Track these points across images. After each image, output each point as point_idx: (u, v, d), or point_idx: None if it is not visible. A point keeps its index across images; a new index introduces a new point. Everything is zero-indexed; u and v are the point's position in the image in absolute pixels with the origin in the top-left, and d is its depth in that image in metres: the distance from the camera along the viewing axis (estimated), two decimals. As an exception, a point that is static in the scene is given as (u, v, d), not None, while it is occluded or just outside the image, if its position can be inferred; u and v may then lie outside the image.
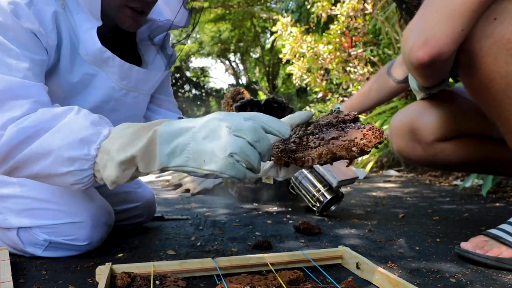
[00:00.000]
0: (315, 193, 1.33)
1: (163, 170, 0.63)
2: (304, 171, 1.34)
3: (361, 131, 0.64)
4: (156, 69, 1.00)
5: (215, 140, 0.57)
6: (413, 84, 1.08)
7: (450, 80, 2.62)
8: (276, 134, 0.60)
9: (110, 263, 0.71)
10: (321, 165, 0.65)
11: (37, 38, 0.76)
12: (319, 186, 1.32)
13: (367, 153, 0.62)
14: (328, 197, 1.32)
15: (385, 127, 2.93)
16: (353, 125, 0.67)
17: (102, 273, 0.69)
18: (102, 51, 0.85)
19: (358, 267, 0.75)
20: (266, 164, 0.77)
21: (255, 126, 0.58)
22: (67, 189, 0.88)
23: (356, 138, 0.62)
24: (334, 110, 0.73)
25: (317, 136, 0.68)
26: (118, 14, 0.84)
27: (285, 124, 0.61)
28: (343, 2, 3.95)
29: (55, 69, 0.83)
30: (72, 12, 0.83)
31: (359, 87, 3.81)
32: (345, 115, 0.69)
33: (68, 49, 0.83)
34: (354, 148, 0.61)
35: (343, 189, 1.97)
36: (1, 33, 0.71)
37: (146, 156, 0.61)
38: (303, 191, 1.36)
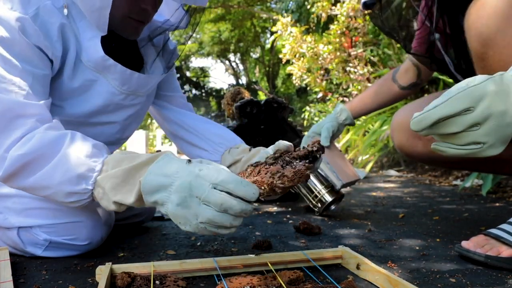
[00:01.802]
0: (317, 194, 1.32)
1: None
2: None
3: (291, 171, 0.67)
4: (156, 71, 1.02)
5: (186, 209, 0.62)
6: None
7: (451, 80, 2.61)
8: (243, 199, 0.61)
9: (110, 263, 0.71)
10: None
11: (42, 53, 0.80)
12: (321, 187, 1.32)
13: (278, 193, 0.66)
14: (330, 198, 1.32)
15: (385, 127, 2.93)
16: (300, 163, 0.70)
17: (102, 273, 0.69)
18: (105, 59, 0.87)
19: (358, 268, 0.75)
20: None
21: (221, 198, 0.60)
22: None
23: (277, 175, 0.66)
24: (312, 145, 0.77)
25: (267, 166, 0.73)
26: (121, 24, 0.87)
27: (252, 188, 0.61)
28: (343, 2, 3.95)
29: (59, 74, 0.85)
30: (76, 19, 0.85)
31: (359, 87, 3.81)
32: (312, 149, 0.74)
33: (73, 57, 0.85)
34: (263, 187, 0.65)
35: (343, 189, 1.97)
36: (7, 49, 0.75)
37: (136, 202, 0.68)
38: (303, 191, 1.36)
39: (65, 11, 0.83)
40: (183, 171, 0.63)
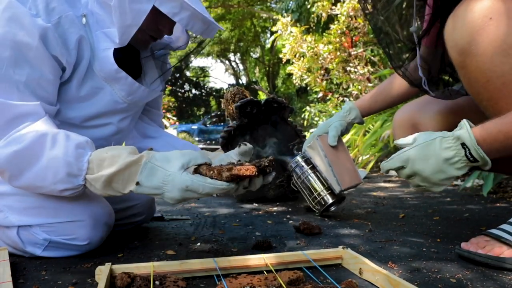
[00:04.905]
0: (316, 196, 1.32)
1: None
2: (308, 170, 1.33)
3: (243, 165, 0.75)
4: (156, 86, 1.08)
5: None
6: None
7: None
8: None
9: (110, 263, 0.70)
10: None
11: (55, 62, 0.84)
12: (322, 189, 1.31)
13: (238, 176, 0.73)
14: (330, 200, 1.31)
15: (385, 127, 2.93)
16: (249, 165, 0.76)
17: (102, 273, 0.69)
18: (118, 72, 0.93)
19: (360, 273, 0.75)
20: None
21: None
22: None
23: (235, 167, 0.74)
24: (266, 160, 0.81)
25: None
26: (137, 36, 0.90)
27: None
28: (343, 1, 3.95)
29: (68, 80, 0.90)
30: (92, 29, 0.90)
31: (359, 87, 3.81)
32: (261, 164, 0.79)
33: (85, 66, 0.90)
34: (224, 173, 0.74)
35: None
36: (23, 53, 0.80)
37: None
38: (305, 191, 1.35)
39: (84, 20, 0.88)
40: (169, 183, 0.75)
